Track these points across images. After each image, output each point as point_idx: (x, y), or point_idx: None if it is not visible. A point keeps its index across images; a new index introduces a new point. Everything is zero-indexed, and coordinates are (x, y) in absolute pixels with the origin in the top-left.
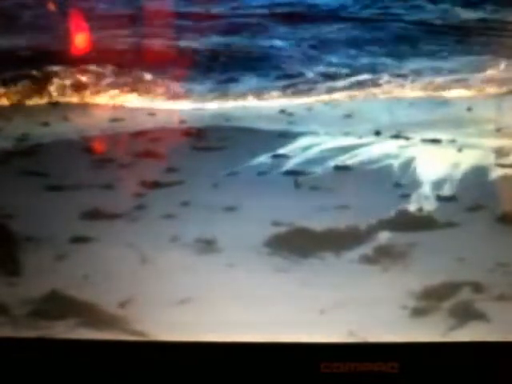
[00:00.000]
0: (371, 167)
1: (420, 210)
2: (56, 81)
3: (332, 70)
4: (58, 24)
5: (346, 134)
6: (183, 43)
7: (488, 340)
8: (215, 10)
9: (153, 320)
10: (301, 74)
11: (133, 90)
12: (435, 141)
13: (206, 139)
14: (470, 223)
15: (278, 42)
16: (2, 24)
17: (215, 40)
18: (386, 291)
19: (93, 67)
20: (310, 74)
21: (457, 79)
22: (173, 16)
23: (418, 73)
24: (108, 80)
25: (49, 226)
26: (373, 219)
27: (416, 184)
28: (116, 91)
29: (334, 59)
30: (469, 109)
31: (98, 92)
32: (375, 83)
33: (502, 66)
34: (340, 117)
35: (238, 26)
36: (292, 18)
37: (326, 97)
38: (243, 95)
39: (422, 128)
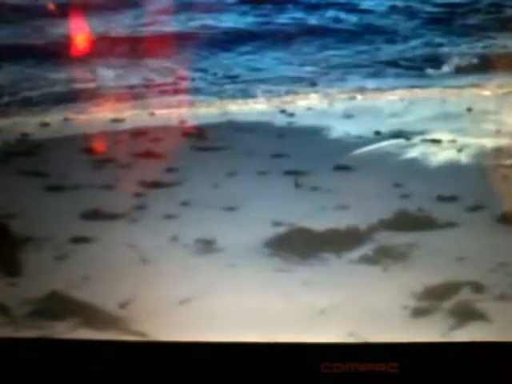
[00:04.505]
0: (371, 167)
1: (420, 209)
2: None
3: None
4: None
5: (346, 133)
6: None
7: (488, 340)
8: None
9: (153, 320)
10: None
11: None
12: (435, 141)
13: (206, 139)
14: (470, 223)
15: None
16: None
17: None
18: (386, 291)
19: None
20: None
21: None
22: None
23: None
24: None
25: (49, 226)
26: (373, 219)
27: (416, 184)
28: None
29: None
30: (469, 109)
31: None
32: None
33: None
34: (340, 117)
35: None
36: None
37: (325, 97)
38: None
39: (422, 128)
